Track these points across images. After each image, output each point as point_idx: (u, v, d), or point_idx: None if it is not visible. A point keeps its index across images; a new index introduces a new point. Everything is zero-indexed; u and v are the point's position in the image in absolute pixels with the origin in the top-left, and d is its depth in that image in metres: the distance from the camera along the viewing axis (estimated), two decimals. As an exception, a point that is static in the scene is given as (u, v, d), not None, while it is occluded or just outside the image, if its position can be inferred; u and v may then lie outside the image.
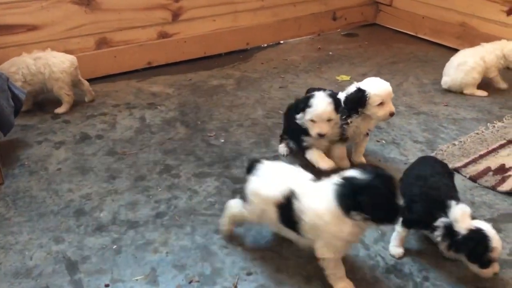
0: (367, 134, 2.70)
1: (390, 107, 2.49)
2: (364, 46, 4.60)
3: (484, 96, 3.57)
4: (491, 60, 3.55)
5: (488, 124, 3.18)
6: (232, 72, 4.00)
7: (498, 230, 2.08)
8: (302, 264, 2.07)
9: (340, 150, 2.68)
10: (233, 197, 2.45)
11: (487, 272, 1.90)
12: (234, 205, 2.14)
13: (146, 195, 2.50)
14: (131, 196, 2.48)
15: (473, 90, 3.60)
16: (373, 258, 2.12)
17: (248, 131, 3.11)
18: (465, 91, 3.60)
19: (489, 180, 2.61)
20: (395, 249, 2.14)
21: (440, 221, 1.96)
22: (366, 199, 1.71)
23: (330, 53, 4.43)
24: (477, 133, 3.08)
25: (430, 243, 2.15)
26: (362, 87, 2.49)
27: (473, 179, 2.63)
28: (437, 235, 1.98)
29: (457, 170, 2.70)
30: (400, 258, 2.11)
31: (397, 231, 2.14)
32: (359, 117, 2.55)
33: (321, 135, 2.48)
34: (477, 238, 1.88)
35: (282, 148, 2.86)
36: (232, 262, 2.09)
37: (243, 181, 2.56)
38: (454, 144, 2.95)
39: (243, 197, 2.06)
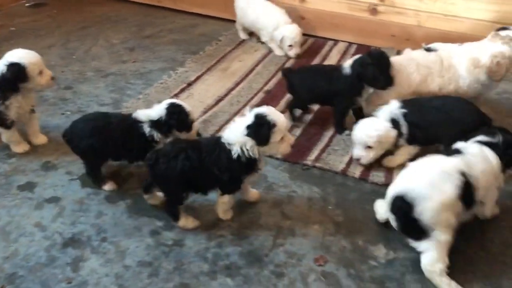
0: (33, 110, 2.53)
1: (47, 73, 2.41)
2: (53, 15, 4.28)
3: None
4: (265, 25, 3.55)
5: (171, 72, 3.34)
6: None
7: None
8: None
9: None
10: None
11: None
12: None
13: None
14: None
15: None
16: (50, 237, 2.03)
17: None
18: None
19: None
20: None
21: None
22: None
23: (13, 28, 3.99)
24: (161, 83, 3.21)
25: (110, 204, 2.18)
26: (15, 61, 2.30)
27: (155, 128, 2.75)
28: None
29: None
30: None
31: None
32: (19, 94, 2.36)
33: None
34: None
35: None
36: None
37: None
38: (139, 99, 3.02)
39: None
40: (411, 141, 2.32)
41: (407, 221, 1.79)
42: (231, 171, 1.94)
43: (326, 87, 2.60)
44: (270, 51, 3.60)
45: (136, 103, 2.95)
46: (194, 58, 3.52)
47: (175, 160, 1.92)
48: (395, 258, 1.92)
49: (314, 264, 1.91)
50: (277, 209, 2.18)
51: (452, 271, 1.80)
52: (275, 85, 3.16)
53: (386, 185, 2.27)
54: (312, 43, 3.73)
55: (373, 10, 3.57)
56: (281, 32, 3.42)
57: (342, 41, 3.72)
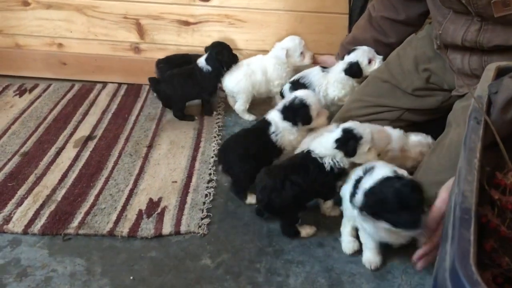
0: None
1: None
2: None
3: None
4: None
5: None
6: None
7: None
8: None
9: None
10: None
11: None
12: None
13: None
14: None
15: None
16: None
17: None
18: None
19: None
20: None
21: None
22: None
23: None
24: None
25: None
26: None
27: None
28: None
29: None
30: None
31: None
32: None
33: None
34: None
35: None
36: None
37: None
38: None
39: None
40: None
41: None
42: (329, 182, 2.09)
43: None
44: (29, 105, 3.24)
45: None
46: None
47: (284, 190, 2.01)
48: (165, 320, 1.82)
49: None
50: (31, 300, 1.88)
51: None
52: (34, 145, 2.82)
53: (157, 236, 2.18)
54: (80, 88, 3.48)
55: (136, 49, 3.49)
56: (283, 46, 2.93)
57: (111, 82, 3.56)
